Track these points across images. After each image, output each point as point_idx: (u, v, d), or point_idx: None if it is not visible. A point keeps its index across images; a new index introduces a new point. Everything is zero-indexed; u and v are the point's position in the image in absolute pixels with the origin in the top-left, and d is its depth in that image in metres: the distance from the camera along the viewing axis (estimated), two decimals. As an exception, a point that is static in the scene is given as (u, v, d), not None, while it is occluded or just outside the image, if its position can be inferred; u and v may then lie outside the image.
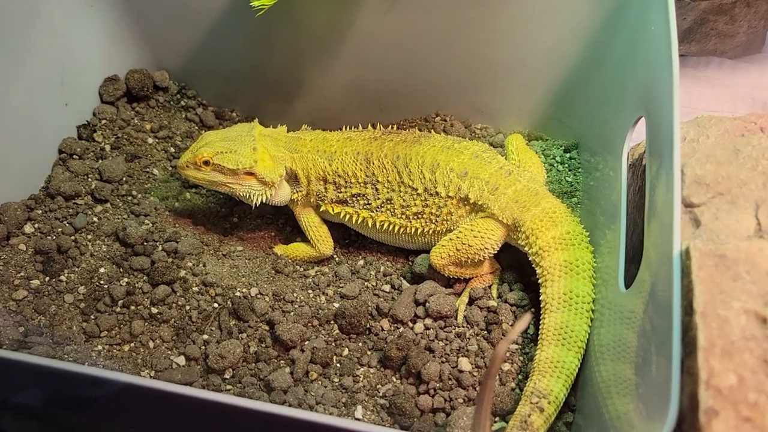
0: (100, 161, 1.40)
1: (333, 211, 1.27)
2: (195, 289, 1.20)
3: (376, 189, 1.23)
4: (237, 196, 1.27)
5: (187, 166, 1.25)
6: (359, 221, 1.26)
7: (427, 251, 1.22)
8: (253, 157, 1.22)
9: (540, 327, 1.09)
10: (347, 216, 1.27)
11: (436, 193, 1.20)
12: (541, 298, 1.12)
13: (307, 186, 1.27)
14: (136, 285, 1.20)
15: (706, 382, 0.73)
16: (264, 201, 1.26)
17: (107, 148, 1.43)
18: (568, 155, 1.41)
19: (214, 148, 1.22)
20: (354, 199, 1.25)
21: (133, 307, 1.18)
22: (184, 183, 1.43)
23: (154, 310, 1.18)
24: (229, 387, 1.10)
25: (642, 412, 0.83)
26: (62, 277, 1.22)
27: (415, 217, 1.22)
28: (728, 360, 0.73)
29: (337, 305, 1.20)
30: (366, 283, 1.26)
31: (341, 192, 1.25)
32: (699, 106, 1.64)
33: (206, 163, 1.22)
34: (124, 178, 1.39)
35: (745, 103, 1.66)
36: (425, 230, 1.22)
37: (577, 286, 1.09)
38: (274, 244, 1.34)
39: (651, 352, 0.83)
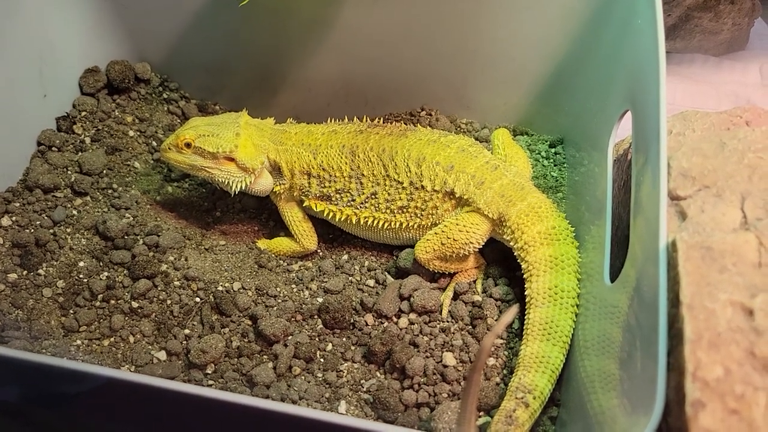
0: (80, 153, 1.38)
1: (316, 208, 1.26)
2: (176, 283, 1.19)
3: (361, 183, 1.22)
4: (217, 183, 1.26)
5: (169, 148, 1.24)
6: (343, 219, 1.25)
7: (412, 246, 1.21)
8: (234, 141, 1.21)
9: (525, 322, 1.08)
10: (330, 213, 1.25)
11: (422, 186, 1.19)
12: (526, 293, 1.11)
13: (290, 179, 1.26)
14: (117, 279, 1.18)
15: (693, 374, 0.72)
16: (243, 188, 1.25)
17: (87, 140, 1.41)
18: (553, 150, 1.40)
19: (197, 131, 1.22)
20: (338, 195, 1.24)
21: (113, 302, 1.16)
22: (166, 176, 1.41)
23: (135, 305, 1.16)
24: (211, 382, 1.08)
25: (626, 407, 0.82)
26: (40, 271, 1.20)
27: (400, 211, 1.21)
28: (715, 352, 0.73)
29: (320, 300, 1.19)
30: (350, 278, 1.25)
31: (325, 187, 1.24)
32: (683, 103, 1.65)
33: (188, 145, 1.22)
34: (104, 171, 1.37)
35: (729, 100, 1.67)
36: (410, 224, 1.21)
37: (562, 281, 1.09)
38: (257, 239, 1.33)
39: (636, 347, 0.83)
